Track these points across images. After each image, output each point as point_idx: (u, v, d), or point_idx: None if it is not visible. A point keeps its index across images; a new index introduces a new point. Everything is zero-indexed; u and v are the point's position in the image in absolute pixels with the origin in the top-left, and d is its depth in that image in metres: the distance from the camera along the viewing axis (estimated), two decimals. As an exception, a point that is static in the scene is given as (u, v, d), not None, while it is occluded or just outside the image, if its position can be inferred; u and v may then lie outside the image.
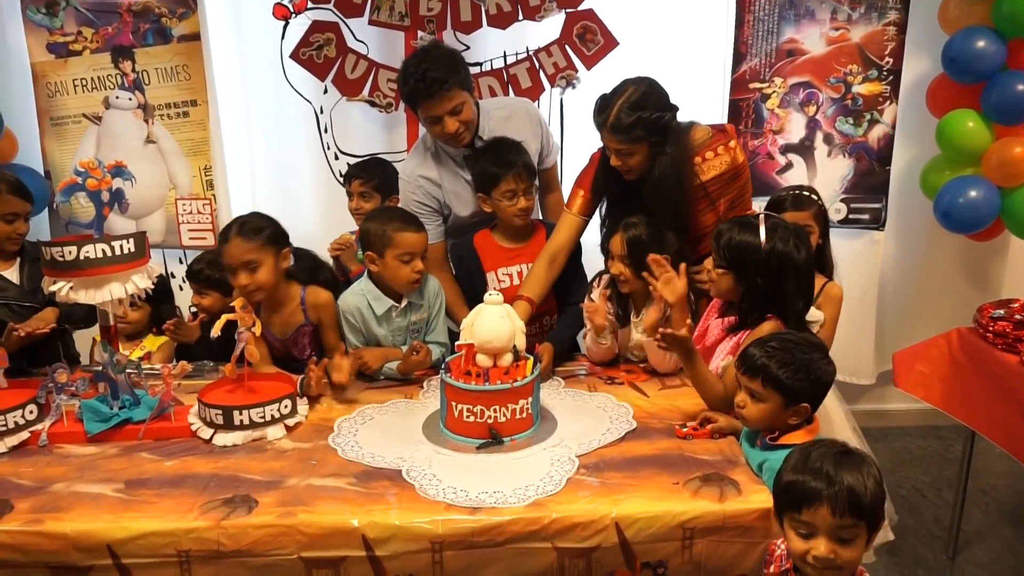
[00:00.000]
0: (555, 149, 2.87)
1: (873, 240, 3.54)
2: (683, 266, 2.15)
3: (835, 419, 2.35)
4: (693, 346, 1.97)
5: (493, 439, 1.89)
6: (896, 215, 3.56)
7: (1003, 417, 2.50)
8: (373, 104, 3.36)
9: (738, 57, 3.37)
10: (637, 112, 2.20)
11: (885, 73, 3.34)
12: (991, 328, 2.59)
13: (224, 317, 2.06)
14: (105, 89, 3.36)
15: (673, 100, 2.30)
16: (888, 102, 3.37)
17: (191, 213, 3.47)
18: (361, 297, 2.35)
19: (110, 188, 1.99)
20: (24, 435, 1.95)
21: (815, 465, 1.35)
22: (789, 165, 3.47)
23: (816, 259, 2.26)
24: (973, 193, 3.14)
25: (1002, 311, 2.59)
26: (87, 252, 1.90)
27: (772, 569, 1.49)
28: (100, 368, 2.04)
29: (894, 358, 2.97)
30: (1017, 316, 2.55)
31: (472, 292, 2.12)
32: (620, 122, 2.21)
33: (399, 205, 2.73)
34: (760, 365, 1.67)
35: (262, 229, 2.27)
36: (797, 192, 2.51)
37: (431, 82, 2.40)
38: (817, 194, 2.52)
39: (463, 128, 2.51)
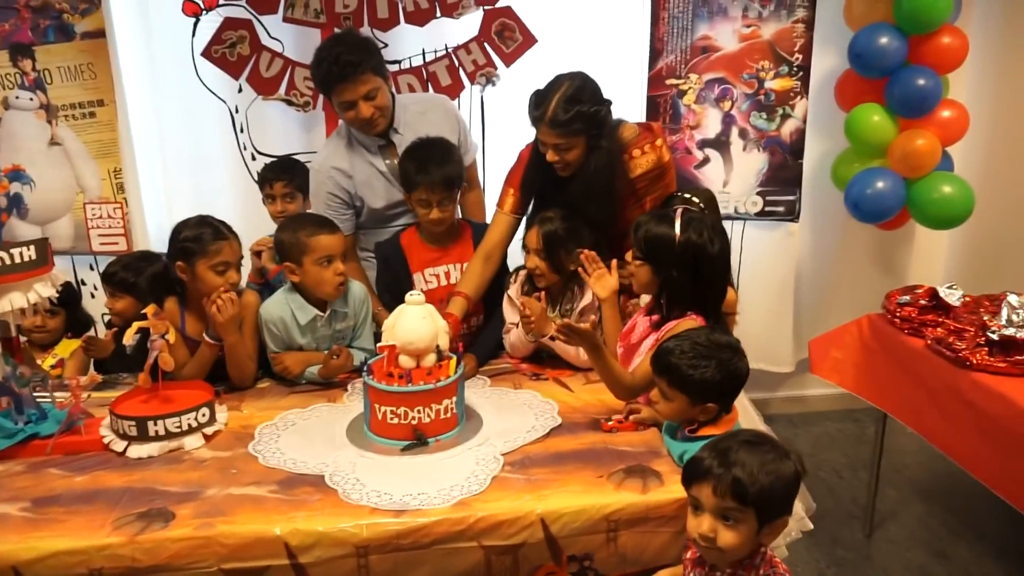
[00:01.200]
0: (473, 148, 2.87)
1: (789, 231, 3.65)
2: (615, 262, 2.18)
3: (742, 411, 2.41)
4: (598, 340, 2.00)
5: (418, 440, 1.87)
6: (810, 207, 3.67)
7: (911, 399, 2.61)
8: (290, 103, 3.29)
9: (654, 54, 3.42)
10: (575, 106, 2.19)
11: (795, 69, 3.45)
12: (898, 314, 2.69)
13: (135, 325, 2.00)
14: (4, 89, 3.21)
15: (596, 96, 2.32)
16: (799, 97, 3.48)
17: (101, 218, 3.34)
18: (285, 306, 2.30)
19: (7, 193, 1.91)
20: (-80, 456, 1.86)
21: (721, 446, 1.39)
22: (706, 160, 3.54)
23: None
24: (880, 184, 3.26)
25: (908, 297, 2.71)
26: (-16, 261, 1.81)
27: (689, 555, 1.52)
28: (2, 382, 1.95)
29: (810, 345, 3.07)
30: (922, 302, 2.66)
31: (398, 291, 2.09)
32: (558, 117, 2.20)
33: (310, 197, 2.73)
34: (667, 366, 1.70)
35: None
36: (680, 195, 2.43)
37: (344, 65, 2.40)
38: (704, 198, 2.45)
39: (378, 114, 2.51)
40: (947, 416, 2.42)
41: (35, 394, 1.98)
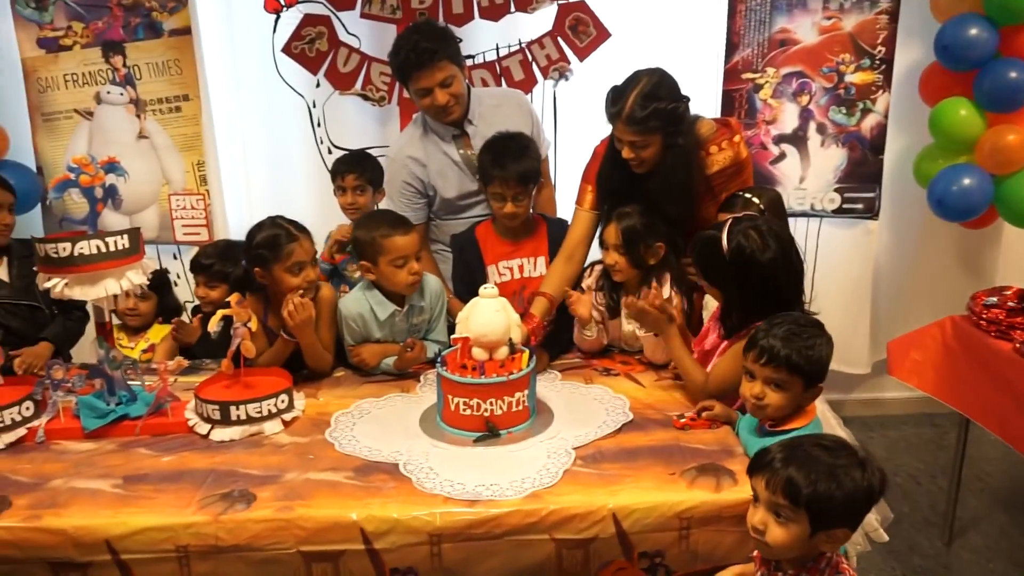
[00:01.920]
0: (545, 144, 2.87)
1: (867, 229, 3.55)
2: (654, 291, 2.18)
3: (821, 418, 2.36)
4: (665, 324, 2.01)
5: (490, 432, 1.89)
6: (890, 204, 3.56)
7: (996, 404, 2.52)
8: (366, 98, 3.35)
9: (731, 47, 3.36)
10: (652, 103, 2.16)
11: (878, 62, 3.35)
12: (984, 316, 2.60)
13: (220, 313, 2.07)
14: (96, 84, 3.35)
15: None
16: (881, 91, 3.38)
17: (184, 209, 3.46)
18: (363, 303, 2.35)
19: (103, 184, 2.00)
20: (21, 431, 1.96)
21: (792, 443, 1.38)
22: (782, 155, 3.47)
23: None
24: (966, 181, 3.15)
25: (995, 299, 2.61)
26: (81, 248, 1.90)
27: (758, 552, 1.50)
28: (96, 364, 2.04)
29: (888, 347, 2.98)
30: (1010, 304, 2.57)
31: (471, 283, 2.11)
32: (635, 114, 2.17)
33: (385, 185, 2.77)
34: (783, 355, 1.66)
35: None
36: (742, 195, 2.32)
37: (422, 52, 2.45)
38: (767, 199, 2.32)
39: (453, 101, 2.55)
40: (1035, 423, 2.34)
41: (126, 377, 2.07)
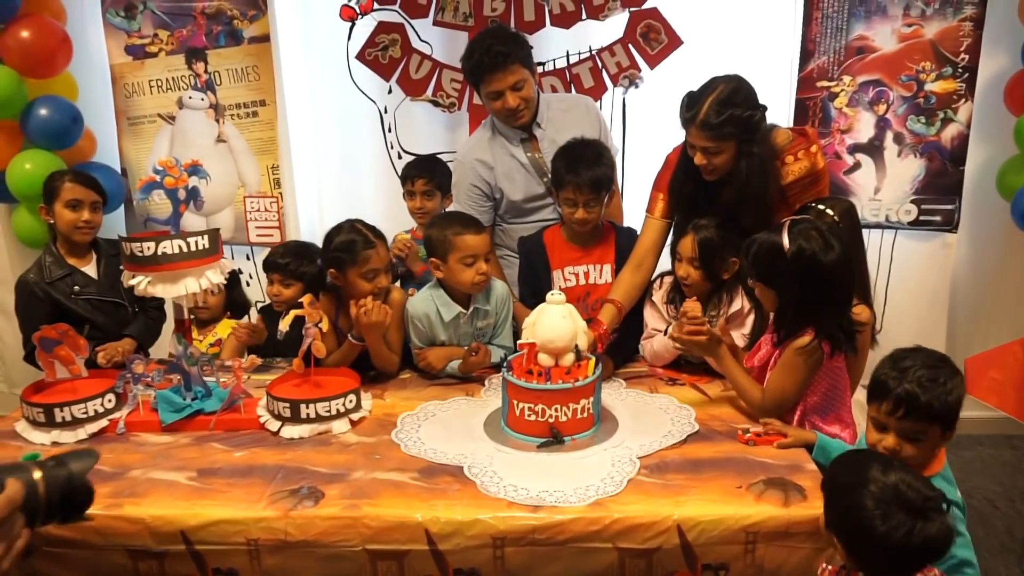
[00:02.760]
0: (613, 150, 2.86)
1: (945, 243, 3.44)
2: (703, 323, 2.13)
3: None
4: (715, 347, 2.03)
5: (554, 438, 1.89)
6: (970, 217, 3.45)
7: (1082, 427, 2.42)
8: (436, 104, 3.40)
9: (805, 55, 3.31)
10: (728, 110, 2.13)
11: (960, 70, 3.25)
12: (1070, 335, 2.50)
13: (292, 313, 2.11)
14: (179, 90, 3.47)
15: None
16: (963, 100, 3.27)
17: (259, 211, 3.56)
18: (430, 303, 2.38)
19: (186, 186, 2.06)
20: (103, 423, 2.04)
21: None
22: (857, 165, 3.39)
23: None
24: (1053, 194, 3.03)
25: (1083, 317, 2.51)
26: (164, 248, 1.97)
27: (827, 570, 1.47)
28: (174, 360, 2.11)
29: (966, 364, 2.89)
30: (1099, 323, 2.46)
31: (538, 288, 2.12)
32: (710, 119, 2.15)
33: (452, 188, 2.81)
34: (923, 404, 1.54)
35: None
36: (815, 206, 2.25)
37: (495, 55, 2.49)
38: (840, 210, 2.24)
39: (523, 105, 2.58)
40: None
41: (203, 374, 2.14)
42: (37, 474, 1.00)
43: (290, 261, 2.64)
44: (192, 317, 2.83)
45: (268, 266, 2.69)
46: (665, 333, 2.35)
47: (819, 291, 1.86)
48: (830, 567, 1.49)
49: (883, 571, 1.37)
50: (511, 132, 2.69)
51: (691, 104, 2.19)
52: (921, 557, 1.34)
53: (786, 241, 1.86)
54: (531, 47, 2.65)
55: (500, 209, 2.76)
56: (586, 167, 2.39)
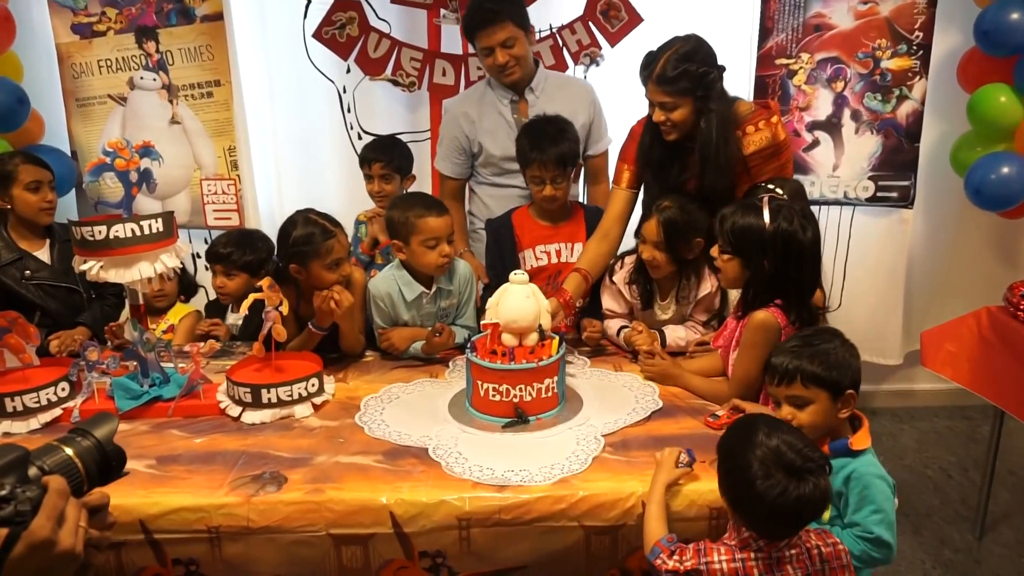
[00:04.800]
0: (606, 139, 2.86)
1: (901, 218, 3.49)
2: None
3: None
4: (674, 370, 2.10)
5: (519, 418, 1.89)
6: (925, 193, 3.51)
7: (1034, 397, 2.47)
8: (396, 83, 3.35)
9: (764, 32, 3.32)
10: (683, 64, 2.18)
11: (915, 48, 3.28)
12: (1022, 307, 2.55)
13: (251, 297, 2.07)
14: (130, 70, 3.37)
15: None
16: (918, 77, 3.31)
17: (216, 194, 3.49)
18: (392, 282, 2.36)
19: (138, 168, 2.01)
20: (57, 412, 1.99)
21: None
22: (816, 143, 3.42)
23: None
24: (1005, 169, 3.09)
25: (1034, 290, 2.56)
26: (116, 232, 1.92)
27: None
28: (131, 347, 2.06)
29: (922, 337, 2.94)
30: (1049, 295, 2.51)
31: (502, 270, 2.11)
32: (666, 73, 2.19)
33: (440, 131, 2.87)
34: (793, 368, 1.64)
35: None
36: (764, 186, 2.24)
37: (486, 12, 2.58)
38: (790, 190, 2.24)
39: (513, 62, 2.64)
40: (1074, 417, 2.29)
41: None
42: (69, 450, 0.99)
43: (232, 251, 2.58)
44: (144, 304, 2.77)
45: (211, 257, 2.63)
46: (625, 327, 2.37)
47: (792, 268, 1.88)
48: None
49: (766, 530, 1.44)
50: (503, 91, 2.75)
51: (649, 61, 2.25)
52: (796, 516, 1.41)
53: (767, 218, 1.88)
54: (526, 6, 2.73)
55: (478, 161, 2.80)
56: (550, 143, 2.39)
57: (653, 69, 2.22)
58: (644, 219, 2.36)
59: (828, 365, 1.62)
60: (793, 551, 1.45)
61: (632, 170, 2.46)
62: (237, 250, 2.58)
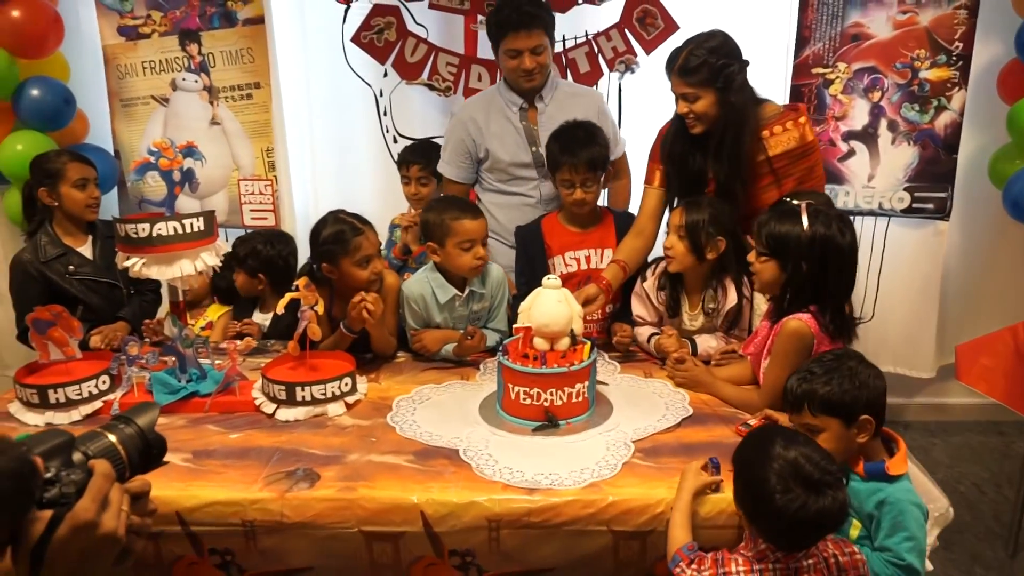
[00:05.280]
0: (621, 144, 2.87)
1: (937, 230, 3.44)
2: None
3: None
4: (705, 377, 2.09)
5: (549, 422, 1.90)
6: (962, 205, 3.45)
7: (1071, 414, 2.43)
8: (432, 87, 3.38)
9: (801, 41, 3.30)
10: (704, 56, 2.25)
11: (954, 58, 3.24)
12: (1061, 322, 2.51)
13: (287, 296, 2.11)
14: (172, 71, 3.43)
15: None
16: (957, 88, 3.27)
17: (253, 194, 3.53)
18: (426, 284, 2.38)
19: (182, 168, 2.05)
20: (97, 404, 2.03)
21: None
22: (851, 152, 3.39)
23: None
24: (1044, 183, 3.04)
25: (1073, 305, 2.51)
26: (159, 230, 1.96)
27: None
28: (170, 343, 2.10)
29: (957, 351, 2.90)
30: (1089, 311, 2.47)
31: (531, 277, 2.12)
32: (688, 63, 2.26)
33: (444, 136, 2.87)
34: (802, 394, 1.62)
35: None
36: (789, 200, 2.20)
37: (524, 14, 2.58)
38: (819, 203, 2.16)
39: (538, 69, 2.65)
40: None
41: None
42: (112, 437, 1.02)
43: (263, 249, 2.70)
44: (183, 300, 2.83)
45: (236, 259, 2.72)
46: (656, 334, 2.37)
47: (829, 272, 1.88)
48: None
49: (784, 543, 1.43)
50: (513, 98, 2.75)
51: (674, 54, 2.31)
52: (816, 529, 1.41)
53: (805, 223, 1.88)
54: (554, 18, 2.73)
55: (484, 166, 2.80)
56: (581, 147, 2.42)
57: (676, 60, 2.29)
58: (672, 210, 2.39)
59: (837, 392, 1.59)
60: (810, 560, 1.45)
61: (662, 168, 2.50)
62: (264, 246, 2.69)
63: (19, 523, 0.89)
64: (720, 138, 2.29)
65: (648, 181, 2.54)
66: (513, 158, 2.73)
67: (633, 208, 2.81)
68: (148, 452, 1.06)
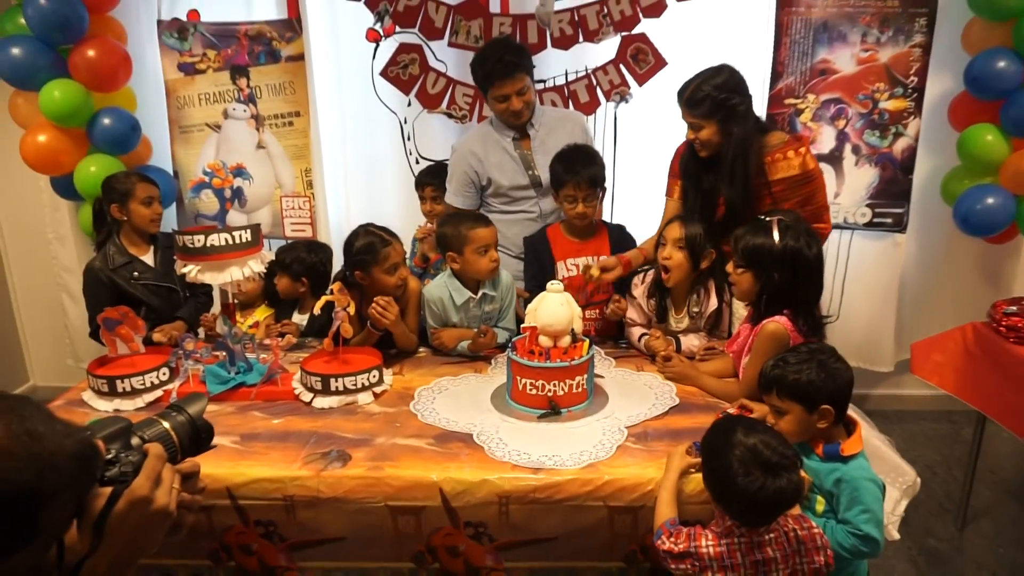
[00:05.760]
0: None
1: (895, 242, 3.42)
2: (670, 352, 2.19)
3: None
4: (691, 371, 2.08)
5: (552, 410, 1.90)
6: (917, 219, 3.43)
7: (1012, 403, 2.41)
8: (450, 116, 3.38)
9: (775, 75, 3.28)
10: (707, 91, 2.24)
11: (910, 91, 3.22)
12: (1004, 323, 2.49)
13: (323, 298, 2.11)
14: (224, 102, 3.45)
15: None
16: (912, 117, 3.25)
17: (293, 209, 3.51)
18: (444, 289, 2.38)
19: (232, 186, 2.06)
20: (158, 393, 2.04)
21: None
22: (819, 173, 3.37)
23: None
24: (990, 200, 3.02)
25: (1015, 308, 2.50)
26: (212, 241, 1.97)
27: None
28: (221, 339, 2.11)
29: (912, 348, 2.88)
30: (1029, 313, 2.45)
31: (543, 280, 2.11)
32: (694, 96, 2.26)
33: (448, 168, 2.84)
34: (773, 378, 1.62)
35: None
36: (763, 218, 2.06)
37: (507, 64, 2.55)
38: (790, 220, 2.08)
39: (525, 107, 2.64)
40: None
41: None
42: (166, 424, 1.03)
43: (304, 257, 2.71)
44: (235, 301, 2.83)
45: (281, 266, 2.71)
46: (645, 334, 2.36)
47: (799, 280, 1.87)
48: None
49: (747, 519, 1.44)
50: (506, 130, 2.72)
51: (684, 86, 2.30)
52: (775, 507, 1.42)
53: (776, 237, 1.87)
54: (531, 58, 2.71)
55: (488, 192, 2.77)
56: (583, 166, 2.41)
57: (684, 93, 2.29)
58: (668, 225, 2.34)
59: (803, 382, 1.58)
60: (772, 535, 1.45)
61: (680, 183, 2.50)
62: (306, 252, 2.70)
63: (84, 499, 0.90)
64: (728, 162, 2.27)
65: (668, 194, 2.55)
66: (512, 183, 2.71)
67: (631, 218, 2.81)
68: (198, 437, 1.07)
